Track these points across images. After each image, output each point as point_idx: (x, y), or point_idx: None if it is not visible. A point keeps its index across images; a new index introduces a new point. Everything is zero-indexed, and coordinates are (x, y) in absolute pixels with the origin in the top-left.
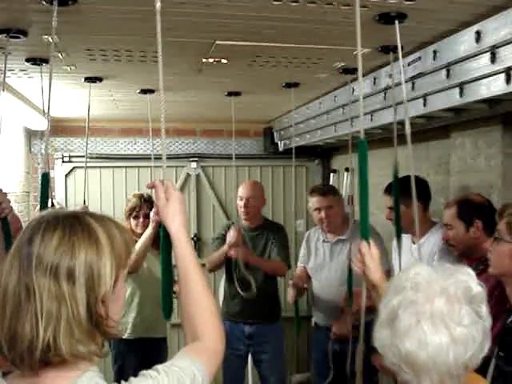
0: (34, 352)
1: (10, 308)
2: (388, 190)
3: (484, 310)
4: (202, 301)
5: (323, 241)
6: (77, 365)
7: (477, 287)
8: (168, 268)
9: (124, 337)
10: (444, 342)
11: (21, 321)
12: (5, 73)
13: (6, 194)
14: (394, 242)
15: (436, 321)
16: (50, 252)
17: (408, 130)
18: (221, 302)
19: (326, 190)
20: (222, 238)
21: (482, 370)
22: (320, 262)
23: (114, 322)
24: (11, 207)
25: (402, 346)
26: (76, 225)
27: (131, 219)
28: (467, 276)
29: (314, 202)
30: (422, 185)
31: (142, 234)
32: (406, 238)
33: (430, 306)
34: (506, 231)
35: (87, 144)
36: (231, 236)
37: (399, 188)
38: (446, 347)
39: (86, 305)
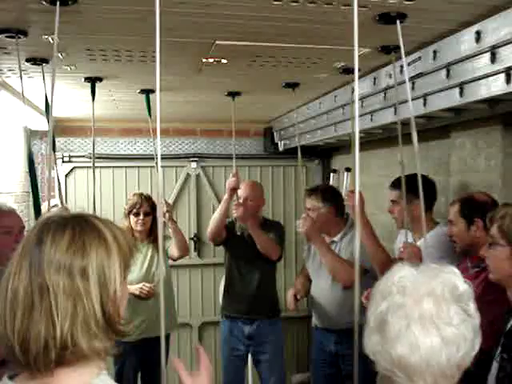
0: (51, 351)
1: (22, 310)
2: (394, 184)
3: (472, 307)
4: None
5: None
6: (88, 364)
7: (463, 285)
8: None
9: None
10: (435, 344)
11: (34, 321)
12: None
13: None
14: (395, 245)
15: (425, 323)
16: (61, 251)
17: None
18: (221, 301)
19: (312, 192)
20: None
21: (482, 375)
22: (316, 264)
23: (123, 320)
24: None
25: (394, 351)
26: (84, 225)
27: (131, 216)
28: (452, 275)
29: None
30: (428, 185)
31: (141, 232)
32: (408, 235)
33: (419, 309)
34: (498, 235)
35: (94, 143)
36: (230, 182)
37: (405, 184)
38: (438, 348)
39: (100, 302)
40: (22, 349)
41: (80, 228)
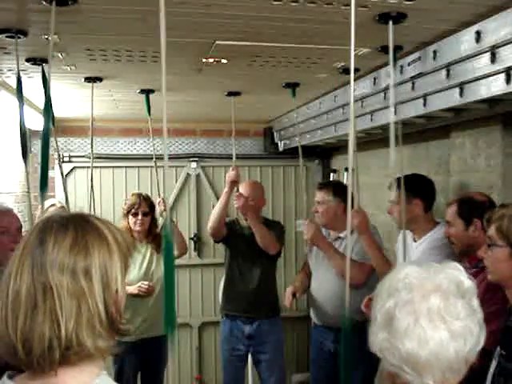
0: (55, 351)
1: (24, 310)
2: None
3: (475, 302)
4: None
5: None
6: (90, 363)
7: (468, 281)
8: (169, 279)
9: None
10: (444, 338)
11: (38, 321)
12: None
13: None
14: (396, 244)
15: (434, 317)
16: (64, 251)
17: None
18: (220, 300)
19: (323, 186)
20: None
21: (483, 371)
22: (319, 259)
23: (124, 320)
24: None
25: (403, 347)
26: (86, 225)
27: (130, 216)
28: (457, 271)
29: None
30: (427, 184)
31: (139, 232)
32: (407, 236)
33: (427, 303)
34: (497, 236)
35: (92, 143)
36: (230, 174)
37: (404, 184)
38: (447, 342)
39: (103, 302)
40: (26, 349)
41: (82, 228)
